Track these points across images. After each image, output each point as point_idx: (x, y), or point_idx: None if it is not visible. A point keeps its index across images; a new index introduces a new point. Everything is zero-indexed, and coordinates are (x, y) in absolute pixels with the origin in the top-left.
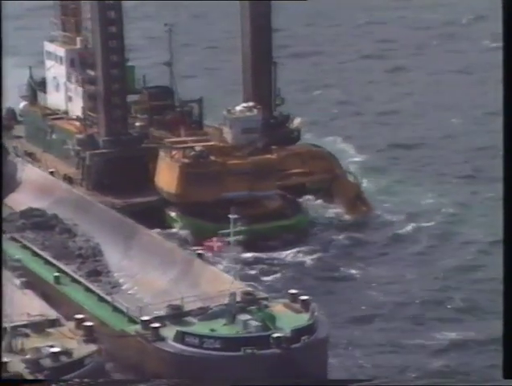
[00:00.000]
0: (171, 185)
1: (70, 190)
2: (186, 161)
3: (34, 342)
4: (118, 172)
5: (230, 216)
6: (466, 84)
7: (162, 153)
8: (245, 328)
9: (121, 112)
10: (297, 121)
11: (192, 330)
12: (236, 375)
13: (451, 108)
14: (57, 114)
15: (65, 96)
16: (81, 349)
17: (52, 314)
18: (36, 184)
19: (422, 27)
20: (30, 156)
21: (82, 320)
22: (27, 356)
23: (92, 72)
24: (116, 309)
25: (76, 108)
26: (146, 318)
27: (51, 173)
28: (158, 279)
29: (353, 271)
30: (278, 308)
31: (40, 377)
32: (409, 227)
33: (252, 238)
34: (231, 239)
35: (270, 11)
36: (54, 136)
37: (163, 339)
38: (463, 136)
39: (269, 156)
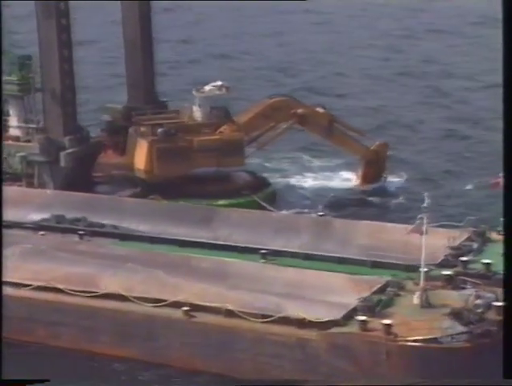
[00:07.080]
0: (141, 161)
1: (61, 193)
2: (154, 137)
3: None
4: (83, 169)
5: None
6: None
7: (131, 131)
8: None
9: (72, 109)
10: None
11: None
12: None
13: None
14: None
15: None
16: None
17: None
18: None
19: None
20: None
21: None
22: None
23: None
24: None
25: None
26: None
27: None
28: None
29: None
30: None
31: None
32: None
33: None
34: None
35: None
36: None
37: None
38: None
39: (236, 133)
